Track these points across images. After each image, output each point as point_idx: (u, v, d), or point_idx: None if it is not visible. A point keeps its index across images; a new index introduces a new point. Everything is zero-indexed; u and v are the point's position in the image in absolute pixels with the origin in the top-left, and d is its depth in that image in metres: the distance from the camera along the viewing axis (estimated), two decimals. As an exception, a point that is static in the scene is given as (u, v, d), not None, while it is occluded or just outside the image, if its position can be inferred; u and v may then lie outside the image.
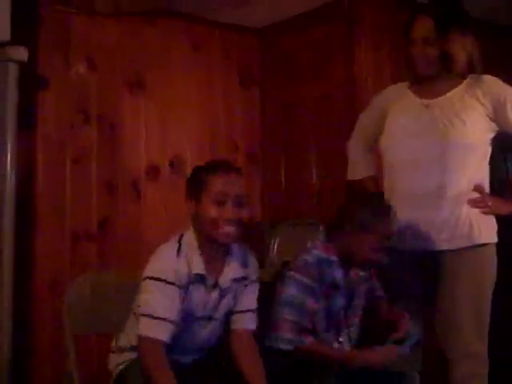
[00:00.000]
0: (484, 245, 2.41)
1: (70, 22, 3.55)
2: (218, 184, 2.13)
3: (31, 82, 3.37)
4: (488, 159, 2.47)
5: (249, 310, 2.28)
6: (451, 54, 2.38)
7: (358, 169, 2.75)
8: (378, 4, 3.59)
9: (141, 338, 2.04)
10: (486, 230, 2.42)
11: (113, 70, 3.68)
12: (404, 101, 2.52)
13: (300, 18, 3.90)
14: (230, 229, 2.12)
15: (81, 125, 3.57)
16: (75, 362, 2.17)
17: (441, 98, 2.45)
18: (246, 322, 2.27)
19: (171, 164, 3.82)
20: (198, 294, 2.15)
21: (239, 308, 2.27)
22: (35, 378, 3.36)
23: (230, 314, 2.27)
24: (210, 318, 2.21)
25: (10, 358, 3.02)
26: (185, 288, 2.11)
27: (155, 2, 3.53)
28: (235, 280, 2.23)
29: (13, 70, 3.09)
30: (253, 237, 3.76)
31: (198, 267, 2.13)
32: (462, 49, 2.39)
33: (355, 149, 2.77)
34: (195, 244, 2.16)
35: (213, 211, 2.12)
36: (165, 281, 2.06)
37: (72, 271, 3.40)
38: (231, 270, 2.22)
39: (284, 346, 2.22)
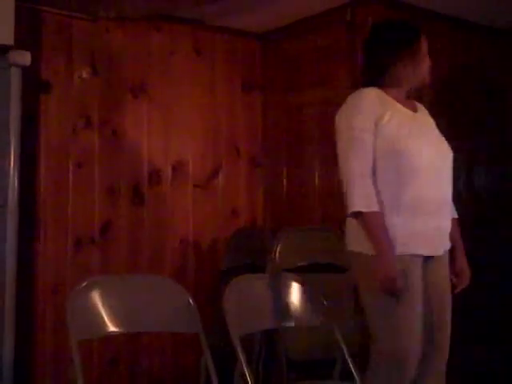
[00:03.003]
0: None
1: (73, 26, 3.56)
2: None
3: (34, 87, 3.39)
4: None
5: None
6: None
7: (370, 198, 2.30)
8: (380, 9, 3.59)
9: None
10: None
11: (115, 74, 3.68)
12: (397, 108, 2.45)
13: (302, 23, 3.91)
14: None
15: (83, 129, 3.58)
16: (80, 367, 2.16)
17: (419, 113, 2.52)
18: None
19: (173, 169, 3.83)
20: None
21: None
22: (37, 382, 3.36)
23: None
24: None
25: (12, 362, 3.02)
26: None
27: (158, 7, 3.53)
28: None
29: (16, 75, 3.09)
30: (255, 242, 3.76)
31: None
32: None
33: (363, 173, 2.32)
34: None
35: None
36: None
37: (74, 276, 3.41)
38: None
39: None
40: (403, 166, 2.33)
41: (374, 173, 2.32)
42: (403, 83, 2.46)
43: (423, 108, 2.57)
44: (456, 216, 2.53)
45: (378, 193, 2.30)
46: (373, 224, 2.28)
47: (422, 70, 2.48)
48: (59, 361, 3.37)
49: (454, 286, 2.50)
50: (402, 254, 2.29)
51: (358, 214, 2.29)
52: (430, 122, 2.54)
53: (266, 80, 4.18)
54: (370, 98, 2.39)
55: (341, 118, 2.43)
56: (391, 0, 3.50)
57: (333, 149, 3.68)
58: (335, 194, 3.68)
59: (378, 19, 3.53)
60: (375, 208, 2.27)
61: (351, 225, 2.40)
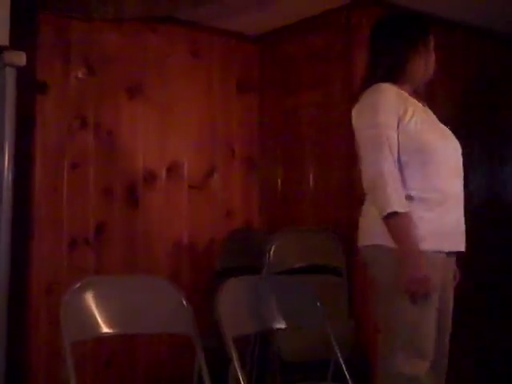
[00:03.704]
0: None
1: (70, 27, 3.56)
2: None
3: (30, 87, 3.38)
4: None
5: None
6: None
7: (403, 198, 2.25)
8: (377, 12, 3.59)
9: None
10: None
11: (111, 75, 3.68)
12: (415, 104, 2.41)
13: (299, 25, 3.91)
14: None
15: (79, 130, 3.57)
16: (72, 368, 2.16)
17: (427, 108, 2.49)
18: None
19: (169, 170, 3.83)
20: None
21: None
22: (30, 383, 3.35)
23: None
24: None
25: (5, 364, 3.01)
26: None
27: (155, 8, 3.53)
28: None
29: (11, 75, 3.09)
30: (250, 244, 3.76)
31: None
32: None
33: (393, 173, 2.26)
34: None
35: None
36: None
37: (69, 276, 3.41)
38: None
39: None
40: (427, 161, 2.30)
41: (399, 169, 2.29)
42: (416, 78, 2.42)
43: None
44: None
45: (407, 188, 2.27)
46: (407, 224, 2.22)
47: (431, 64, 2.45)
48: (53, 362, 3.35)
49: None
50: (428, 250, 2.25)
51: (391, 215, 2.22)
52: (435, 117, 2.51)
53: (262, 81, 4.18)
54: (391, 93, 2.33)
55: (361, 115, 2.37)
56: (387, 2, 3.50)
57: (328, 150, 3.74)
58: (330, 195, 3.71)
59: (374, 21, 3.55)
60: (407, 208, 2.23)
61: (367, 219, 2.37)
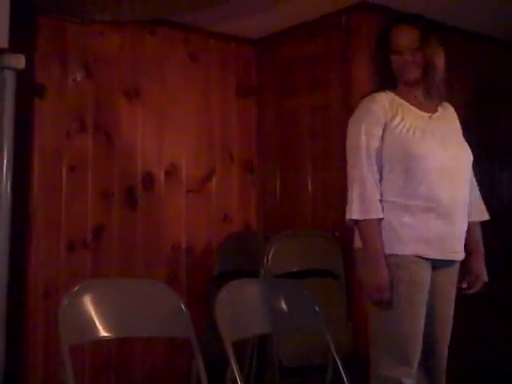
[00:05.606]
0: None
1: (68, 30, 3.56)
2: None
3: (28, 90, 3.38)
4: None
5: None
6: (432, 61, 2.40)
7: (368, 205, 2.30)
8: (376, 16, 3.60)
9: None
10: None
11: (110, 78, 3.68)
12: (409, 111, 2.39)
13: (297, 29, 3.92)
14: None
15: (77, 133, 3.57)
16: (70, 372, 2.16)
17: (437, 114, 2.45)
18: None
19: (167, 173, 3.83)
20: None
21: None
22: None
23: None
24: None
25: (3, 367, 3.01)
26: None
27: (153, 11, 3.53)
28: None
29: (10, 78, 3.09)
30: (247, 247, 3.76)
31: None
32: (440, 58, 2.43)
33: (364, 180, 2.31)
34: None
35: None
36: None
37: (67, 280, 3.40)
38: None
39: None
40: (413, 168, 2.30)
41: (382, 176, 2.32)
42: (399, 81, 2.41)
43: (448, 109, 2.51)
44: (482, 219, 2.51)
45: (389, 194, 2.30)
46: (367, 231, 2.29)
47: (395, 64, 2.40)
48: (51, 365, 3.35)
49: (461, 288, 2.46)
50: (410, 254, 2.27)
51: (350, 221, 2.32)
52: (448, 124, 2.47)
53: (261, 85, 4.18)
54: (380, 102, 2.36)
55: (351, 123, 2.42)
56: (385, 7, 3.51)
57: (326, 153, 3.74)
58: (328, 199, 3.71)
59: (372, 26, 3.56)
60: (373, 215, 2.28)
61: None
